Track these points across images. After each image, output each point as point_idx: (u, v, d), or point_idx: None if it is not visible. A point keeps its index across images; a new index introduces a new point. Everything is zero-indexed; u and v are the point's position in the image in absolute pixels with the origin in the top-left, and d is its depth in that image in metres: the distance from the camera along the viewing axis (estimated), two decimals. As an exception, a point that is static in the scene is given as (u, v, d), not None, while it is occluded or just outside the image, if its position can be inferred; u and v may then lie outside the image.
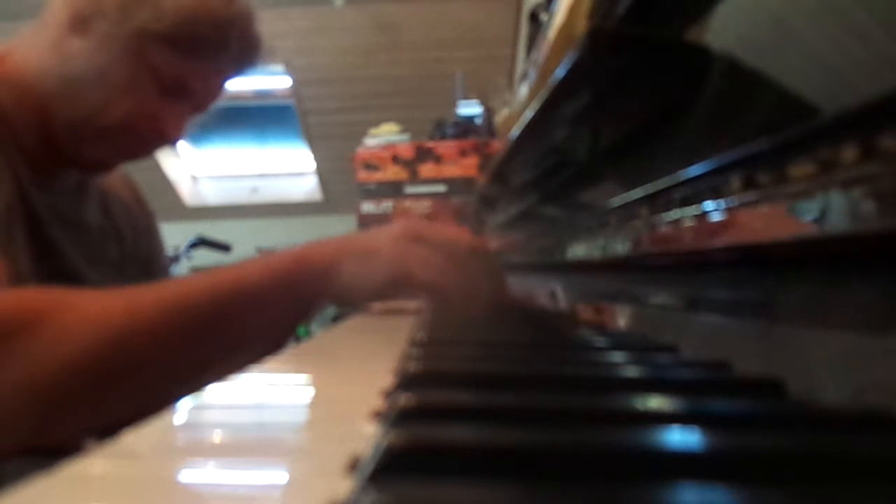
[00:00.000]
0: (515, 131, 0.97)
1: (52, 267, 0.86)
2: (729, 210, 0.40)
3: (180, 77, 0.86)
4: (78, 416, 0.64)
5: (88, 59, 0.84)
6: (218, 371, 0.66)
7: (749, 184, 0.38)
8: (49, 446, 0.60)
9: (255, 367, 0.47)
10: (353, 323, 0.89)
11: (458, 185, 3.33)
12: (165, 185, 5.38)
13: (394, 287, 0.71)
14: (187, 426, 0.32)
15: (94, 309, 0.64)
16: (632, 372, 0.41)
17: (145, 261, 1.04)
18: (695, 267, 0.50)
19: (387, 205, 3.38)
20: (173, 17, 0.83)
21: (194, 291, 0.67)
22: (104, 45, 0.83)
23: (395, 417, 0.27)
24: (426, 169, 3.38)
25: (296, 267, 0.70)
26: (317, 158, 5.46)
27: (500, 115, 2.02)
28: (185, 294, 0.67)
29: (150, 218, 1.09)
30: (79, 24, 0.84)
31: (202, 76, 0.88)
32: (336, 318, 2.65)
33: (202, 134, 5.23)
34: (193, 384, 0.65)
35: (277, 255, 0.72)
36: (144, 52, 0.83)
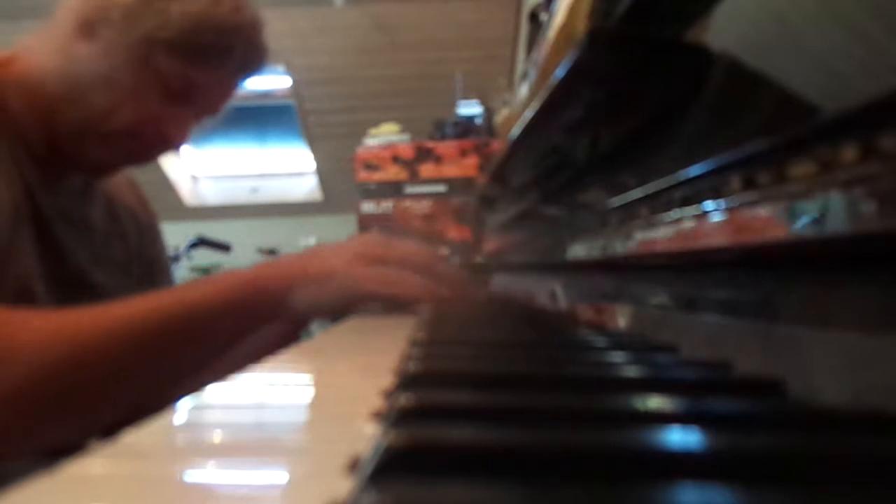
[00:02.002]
0: (515, 131, 0.97)
1: (57, 266, 0.86)
2: (729, 210, 0.40)
3: (186, 84, 0.86)
4: (22, 436, 0.64)
5: (94, 65, 0.84)
6: (174, 390, 0.67)
7: (749, 184, 0.38)
8: (49, 447, 0.60)
9: (254, 367, 0.47)
10: (353, 323, 0.89)
11: (458, 185, 3.33)
12: (165, 185, 5.39)
13: (349, 306, 0.73)
14: (187, 426, 0.32)
15: (36, 330, 0.64)
16: (632, 372, 0.41)
17: (149, 262, 1.05)
18: (695, 267, 0.50)
19: (387, 205, 3.38)
20: (179, 25, 0.83)
21: (142, 314, 0.68)
22: (110, 51, 0.83)
23: (395, 417, 0.27)
24: (426, 169, 3.38)
25: (247, 290, 0.71)
26: (317, 158, 5.46)
27: (500, 115, 2.02)
28: (133, 317, 0.67)
29: (153, 220, 1.10)
30: (85, 29, 0.84)
31: (208, 83, 0.88)
32: (336, 319, 2.65)
33: (202, 134, 5.22)
34: (151, 402, 0.67)
35: (230, 276, 0.72)
36: (150, 59, 0.84)
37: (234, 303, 0.70)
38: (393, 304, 0.73)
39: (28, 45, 0.88)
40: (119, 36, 0.83)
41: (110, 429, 0.33)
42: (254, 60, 0.91)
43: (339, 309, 0.74)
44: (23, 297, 0.78)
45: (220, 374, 0.50)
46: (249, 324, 0.73)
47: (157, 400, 0.64)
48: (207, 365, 0.73)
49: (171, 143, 0.90)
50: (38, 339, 0.63)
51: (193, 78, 0.86)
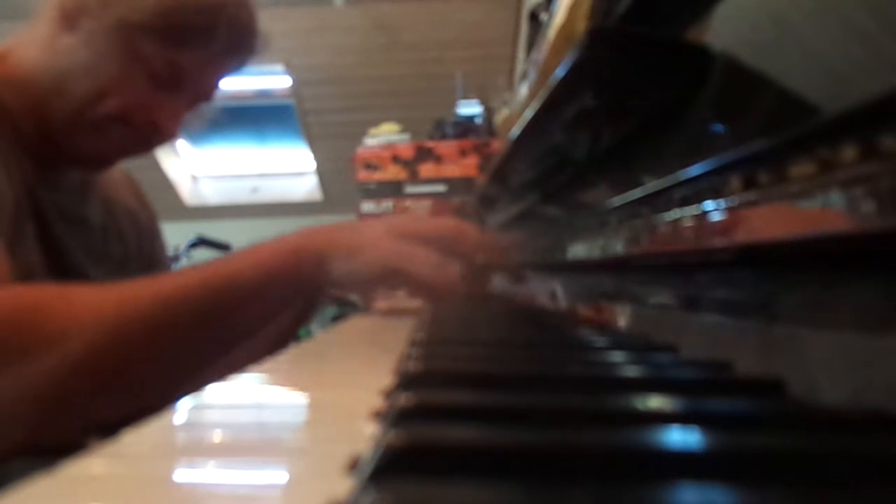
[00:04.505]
0: (515, 131, 0.97)
1: (57, 263, 0.86)
2: (729, 210, 0.40)
3: (172, 67, 0.85)
4: (77, 413, 0.64)
5: (78, 55, 0.84)
6: (216, 367, 0.66)
7: (749, 184, 0.38)
8: (49, 445, 0.60)
9: (254, 367, 0.47)
10: (354, 323, 0.89)
11: (458, 185, 3.34)
12: (165, 185, 5.38)
13: (380, 283, 0.72)
14: (187, 426, 0.32)
15: (89, 304, 0.64)
16: (632, 372, 0.41)
17: (148, 261, 1.05)
18: (695, 267, 0.50)
19: (387, 205, 3.38)
20: (154, 7, 0.83)
21: (188, 286, 0.68)
22: (91, 39, 0.83)
23: (395, 417, 0.27)
24: (426, 169, 3.38)
25: (288, 259, 0.70)
26: (317, 158, 5.46)
27: (500, 115, 2.02)
28: (180, 288, 0.67)
29: (153, 220, 1.10)
30: (67, 20, 0.84)
31: (194, 66, 0.87)
32: (336, 318, 2.65)
33: (202, 134, 5.23)
34: (193, 380, 0.66)
35: (269, 246, 0.72)
36: (132, 44, 0.83)
37: (276, 273, 0.69)
38: (417, 288, 0.72)
39: (16, 42, 0.88)
40: (98, 23, 0.83)
41: (110, 429, 0.33)
42: (242, 41, 0.89)
43: (370, 283, 0.72)
44: None
45: (237, 359, 0.50)
46: (289, 295, 0.72)
47: (204, 376, 0.64)
48: (253, 335, 0.72)
49: (164, 132, 0.89)
50: (93, 314, 0.63)
51: (178, 61, 0.85)
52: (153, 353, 0.66)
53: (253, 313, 0.71)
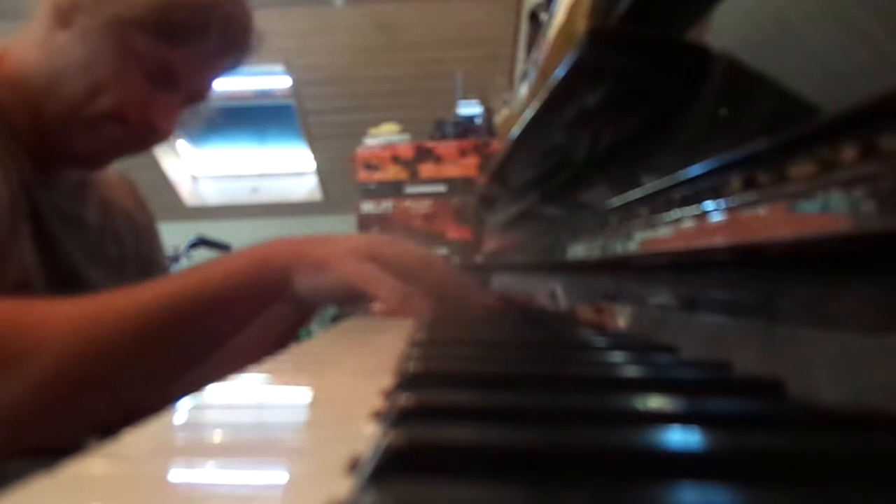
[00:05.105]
0: (515, 131, 0.97)
1: (53, 264, 0.86)
2: (729, 210, 0.40)
3: (166, 64, 0.85)
4: (49, 426, 0.65)
5: (72, 52, 0.84)
6: (191, 375, 0.67)
7: (749, 184, 0.38)
8: (49, 445, 0.60)
9: (254, 367, 0.47)
10: (353, 323, 0.89)
11: (458, 185, 3.34)
12: (165, 185, 5.38)
13: (342, 301, 0.73)
14: (187, 426, 0.32)
15: (58, 319, 0.65)
16: (632, 372, 0.41)
17: (145, 263, 1.04)
18: (695, 267, 0.50)
19: (387, 205, 3.38)
20: (148, 4, 0.83)
21: (155, 299, 0.68)
22: (86, 36, 0.83)
23: (395, 417, 0.27)
24: (426, 169, 3.38)
25: (256, 270, 0.71)
26: (317, 158, 5.46)
27: (500, 115, 2.02)
28: (146, 303, 0.68)
29: (150, 220, 1.09)
30: (61, 18, 0.84)
31: (189, 64, 0.87)
32: (336, 319, 2.65)
33: (202, 134, 5.23)
34: (163, 390, 0.67)
35: (236, 257, 0.73)
36: (126, 41, 0.83)
37: (244, 284, 0.70)
38: (385, 308, 0.73)
39: (13, 41, 0.88)
40: (92, 20, 0.83)
41: (110, 429, 0.33)
42: (236, 39, 0.89)
43: (333, 300, 0.73)
44: (21, 290, 0.78)
45: (237, 360, 0.50)
46: (259, 303, 0.73)
47: (174, 383, 0.65)
48: (221, 346, 0.73)
49: (159, 131, 0.89)
50: (62, 328, 0.64)
51: (171, 58, 0.85)
52: (122, 366, 0.67)
53: (220, 324, 0.71)
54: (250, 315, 0.73)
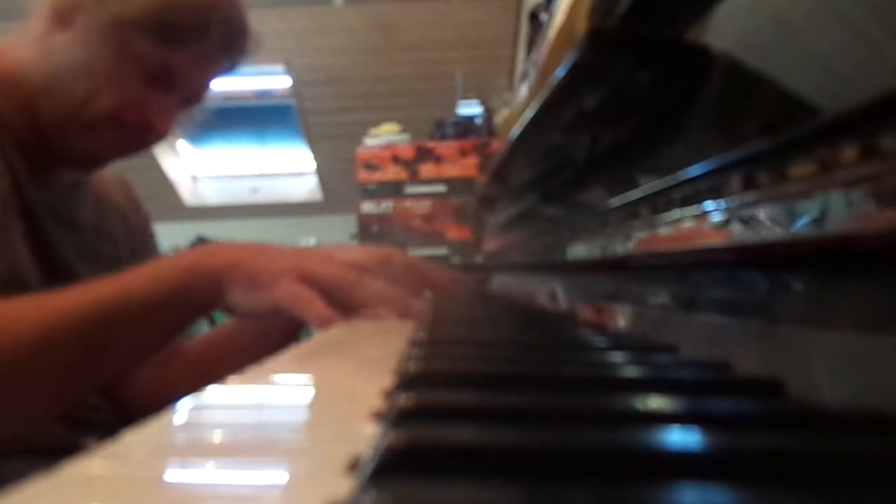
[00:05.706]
0: (515, 131, 0.97)
1: (46, 262, 0.86)
2: (729, 210, 0.40)
3: (164, 66, 0.85)
4: None
5: (71, 52, 0.84)
6: (114, 374, 0.67)
7: (749, 184, 0.38)
8: (49, 445, 0.60)
9: (254, 367, 0.47)
10: (354, 323, 0.89)
11: (458, 185, 3.34)
12: (165, 185, 5.39)
13: (270, 317, 0.72)
14: (186, 426, 0.32)
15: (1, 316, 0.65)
16: (632, 372, 0.41)
17: (139, 263, 1.05)
18: (695, 267, 0.50)
19: (387, 205, 3.38)
20: (146, 5, 0.83)
21: (79, 306, 0.68)
22: (85, 36, 0.83)
23: (395, 417, 0.27)
24: (426, 169, 3.38)
25: (183, 278, 0.69)
26: (317, 158, 5.46)
27: (500, 115, 2.02)
28: (69, 309, 0.67)
29: (145, 222, 1.09)
30: (60, 18, 0.84)
31: (187, 64, 0.87)
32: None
33: (202, 134, 5.23)
34: (87, 390, 0.67)
35: (166, 263, 0.72)
36: (125, 42, 0.83)
37: (171, 291, 0.69)
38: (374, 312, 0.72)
39: (9, 40, 0.88)
40: (92, 21, 0.83)
41: (110, 429, 0.33)
42: (235, 40, 0.89)
43: (261, 315, 0.72)
44: (14, 288, 0.78)
45: (225, 371, 0.50)
46: (189, 311, 0.72)
47: (98, 384, 0.67)
48: (154, 351, 0.74)
49: (157, 132, 0.89)
50: (2, 322, 0.64)
51: (170, 59, 0.85)
52: (42, 372, 0.67)
53: (146, 330, 0.71)
54: (182, 321, 0.72)
